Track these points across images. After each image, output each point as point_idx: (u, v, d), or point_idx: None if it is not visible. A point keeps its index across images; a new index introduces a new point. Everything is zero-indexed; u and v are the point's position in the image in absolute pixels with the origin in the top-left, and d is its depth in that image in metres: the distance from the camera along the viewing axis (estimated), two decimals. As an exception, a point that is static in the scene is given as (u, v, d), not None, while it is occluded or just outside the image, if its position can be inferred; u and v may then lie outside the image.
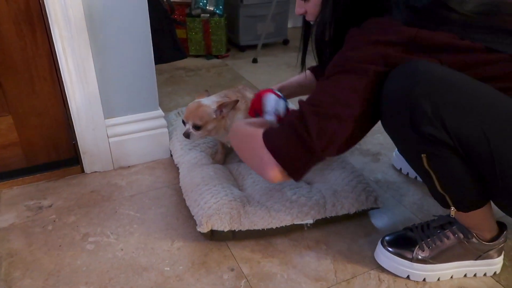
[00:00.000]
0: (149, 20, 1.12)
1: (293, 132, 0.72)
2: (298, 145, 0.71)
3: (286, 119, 0.76)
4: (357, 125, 0.74)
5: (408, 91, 0.69)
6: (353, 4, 0.80)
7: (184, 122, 1.09)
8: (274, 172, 0.73)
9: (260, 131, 0.75)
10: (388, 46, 0.72)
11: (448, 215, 0.89)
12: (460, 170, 0.73)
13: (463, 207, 0.81)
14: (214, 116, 1.07)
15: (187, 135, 1.07)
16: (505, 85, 0.70)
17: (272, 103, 0.99)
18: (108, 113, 1.19)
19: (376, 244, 0.94)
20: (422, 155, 0.73)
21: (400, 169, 1.29)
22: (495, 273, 0.91)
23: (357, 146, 1.42)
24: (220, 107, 1.06)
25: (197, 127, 1.06)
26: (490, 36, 0.71)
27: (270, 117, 0.97)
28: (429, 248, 0.87)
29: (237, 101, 1.08)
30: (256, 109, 1.03)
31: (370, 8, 0.79)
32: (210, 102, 1.08)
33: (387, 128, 0.78)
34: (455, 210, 0.81)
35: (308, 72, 1.16)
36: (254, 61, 2.28)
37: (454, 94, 0.68)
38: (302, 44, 1.01)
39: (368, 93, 0.73)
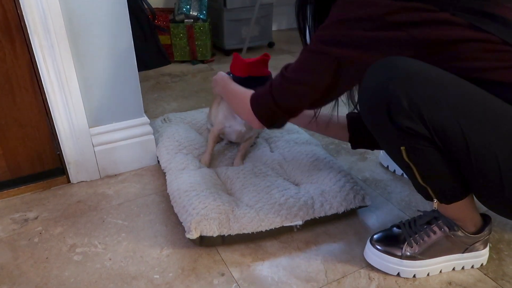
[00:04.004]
0: (130, 27, 1.12)
1: (266, 100, 0.89)
2: (267, 100, 0.89)
3: (265, 86, 0.91)
4: (324, 93, 0.84)
5: (385, 85, 0.71)
6: None
7: None
8: (254, 121, 0.93)
9: (249, 95, 0.94)
10: (357, 24, 0.74)
11: (433, 210, 0.91)
12: (439, 162, 0.75)
13: (445, 199, 0.82)
14: None
15: None
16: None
17: None
18: (93, 121, 1.18)
19: (365, 243, 0.94)
20: (401, 148, 0.75)
21: (387, 166, 1.30)
22: (482, 264, 0.92)
23: (344, 145, 1.43)
24: None
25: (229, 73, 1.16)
26: (474, 17, 0.70)
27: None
28: (417, 244, 0.87)
29: None
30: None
31: None
32: None
33: (367, 123, 0.79)
34: (438, 202, 0.83)
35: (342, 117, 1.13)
36: (240, 64, 2.28)
37: (430, 88, 0.69)
38: None
39: (331, 72, 0.80)
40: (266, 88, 0.90)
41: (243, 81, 1.08)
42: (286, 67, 0.88)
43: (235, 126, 1.19)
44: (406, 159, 0.76)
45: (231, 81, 1.09)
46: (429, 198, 0.83)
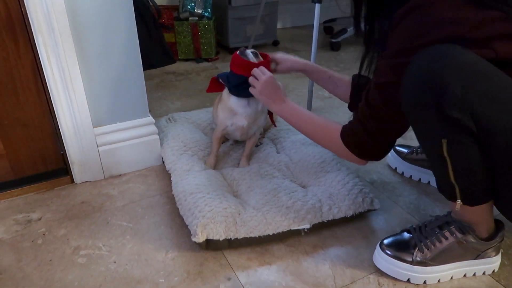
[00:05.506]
0: (136, 25, 1.10)
1: (360, 135, 0.87)
2: (365, 143, 0.87)
3: (354, 123, 0.89)
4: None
5: (438, 73, 0.68)
6: None
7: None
8: (355, 158, 0.91)
9: (336, 129, 0.91)
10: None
11: (445, 215, 0.89)
12: (477, 160, 0.73)
13: (471, 201, 0.80)
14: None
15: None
16: None
17: None
18: (97, 121, 1.16)
19: (374, 247, 0.92)
20: (443, 140, 0.72)
21: (395, 168, 1.28)
22: (493, 271, 0.90)
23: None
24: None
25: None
26: None
27: None
28: (428, 249, 0.85)
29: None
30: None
31: None
32: None
33: (408, 110, 0.76)
34: (461, 203, 0.80)
35: (347, 78, 1.14)
36: (244, 63, 2.26)
37: (484, 81, 0.68)
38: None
39: None
40: (356, 126, 0.87)
41: (248, 81, 1.06)
42: (368, 100, 0.83)
43: (238, 123, 1.16)
44: (445, 153, 0.73)
45: (299, 107, 1.02)
46: (452, 198, 0.80)
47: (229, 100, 1.14)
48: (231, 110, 1.15)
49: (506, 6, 0.70)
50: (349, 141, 0.89)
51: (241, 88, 1.09)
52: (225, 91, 1.16)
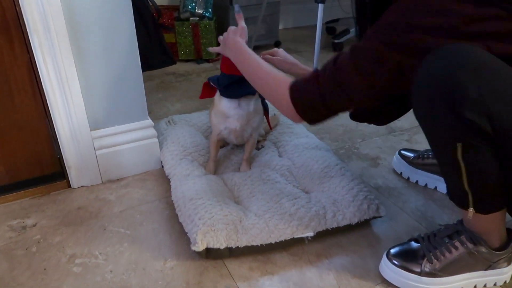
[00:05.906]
0: (134, 26, 1.07)
1: (312, 96, 0.81)
2: (314, 105, 0.81)
3: (310, 82, 0.81)
4: (376, 95, 0.78)
5: (452, 73, 0.65)
6: None
7: None
8: (294, 115, 0.84)
9: (285, 81, 0.85)
10: (426, 32, 0.69)
11: (455, 224, 0.86)
12: (493, 165, 0.70)
13: (484, 208, 0.76)
14: None
15: None
16: None
17: None
18: (94, 124, 1.13)
19: (380, 256, 0.89)
20: (458, 144, 0.69)
21: (401, 173, 1.24)
22: (505, 282, 0.87)
23: (354, 150, 1.38)
24: None
25: None
26: None
27: None
28: (437, 260, 0.82)
29: None
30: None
31: None
32: None
33: (420, 113, 0.73)
34: (474, 211, 0.76)
35: None
36: (246, 64, 2.22)
37: (501, 82, 0.65)
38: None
39: (388, 76, 0.74)
40: (312, 82, 0.80)
41: (238, 80, 1.02)
42: (336, 61, 0.78)
43: (230, 126, 1.12)
44: (459, 158, 0.70)
45: (251, 52, 0.96)
46: (464, 206, 0.77)
47: (220, 104, 1.11)
48: (223, 114, 1.12)
49: (507, 4, 0.67)
50: (297, 98, 0.82)
51: (231, 88, 1.05)
52: (217, 95, 1.13)
